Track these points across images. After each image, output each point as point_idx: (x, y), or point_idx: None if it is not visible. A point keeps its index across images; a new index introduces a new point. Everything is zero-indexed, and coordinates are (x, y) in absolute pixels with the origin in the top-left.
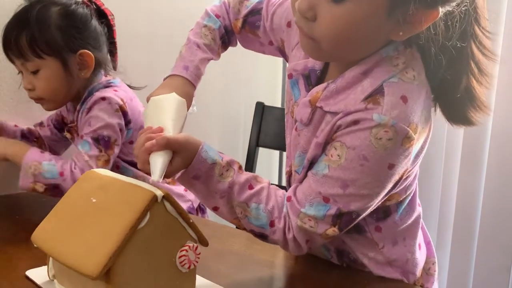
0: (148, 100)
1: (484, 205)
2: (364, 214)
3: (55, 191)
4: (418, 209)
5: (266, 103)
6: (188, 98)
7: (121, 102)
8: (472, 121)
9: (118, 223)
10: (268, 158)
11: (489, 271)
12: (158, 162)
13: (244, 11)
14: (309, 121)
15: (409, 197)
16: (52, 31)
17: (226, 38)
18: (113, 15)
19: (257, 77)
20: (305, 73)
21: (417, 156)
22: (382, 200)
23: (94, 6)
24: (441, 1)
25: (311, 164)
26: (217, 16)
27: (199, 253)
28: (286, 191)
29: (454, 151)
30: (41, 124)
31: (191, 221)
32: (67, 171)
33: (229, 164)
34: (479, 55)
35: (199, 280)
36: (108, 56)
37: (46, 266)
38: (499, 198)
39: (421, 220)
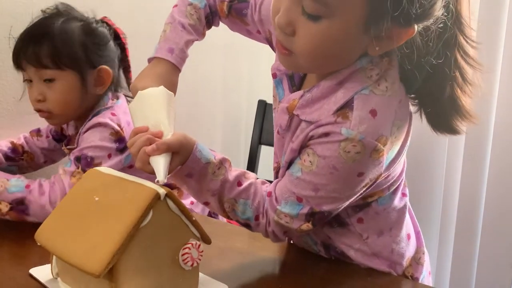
0: (133, 90)
1: (487, 202)
2: (336, 212)
3: (20, 208)
4: (404, 199)
5: (268, 101)
6: (174, 88)
7: (117, 128)
8: (456, 130)
9: (121, 221)
10: (270, 156)
11: (492, 268)
12: (161, 163)
13: None
14: (287, 127)
15: (393, 191)
16: (75, 45)
17: (210, 17)
18: (124, 34)
19: (258, 74)
20: (289, 73)
21: (394, 160)
22: (361, 197)
23: (106, 25)
24: (416, 20)
25: (289, 165)
26: None
27: (202, 251)
28: None
29: (456, 147)
30: (38, 133)
31: (194, 219)
32: (34, 184)
33: (221, 162)
34: (464, 64)
35: (202, 277)
36: (122, 75)
37: (49, 265)
38: (502, 194)
39: (411, 210)
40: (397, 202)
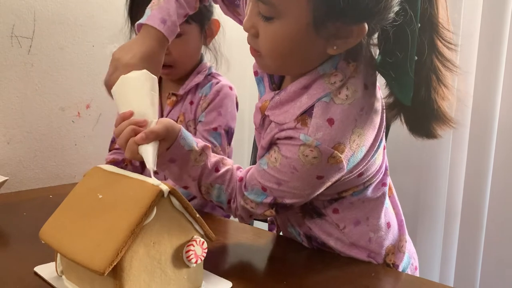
0: (116, 63)
1: (491, 198)
2: (299, 204)
3: None
4: (382, 189)
5: None
6: (159, 66)
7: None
8: (434, 133)
9: (125, 219)
10: None
11: (497, 264)
12: (150, 151)
13: None
14: (261, 125)
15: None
16: None
17: None
18: None
19: None
20: None
21: (361, 162)
22: (336, 192)
23: None
24: (363, 17)
25: None
26: None
27: (206, 248)
28: None
29: (460, 144)
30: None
31: (198, 216)
32: None
33: (203, 149)
34: (440, 66)
35: (206, 274)
36: None
37: (54, 262)
38: (506, 191)
39: (395, 198)
40: (373, 192)
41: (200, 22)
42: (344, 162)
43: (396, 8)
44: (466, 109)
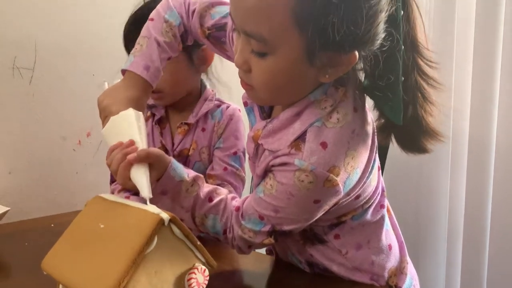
0: (103, 109)
1: (493, 215)
2: (298, 230)
3: None
4: (381, 211)
5: None
6: (143, 109)
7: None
8: (425, 149)
9: (126, 248)
10: None
11: (503, 283)
12: (143, 178)
13: (208, 22)
14: (254, 154)
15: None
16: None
17: (184, 35)
18: None
19: None
20: None
21: (357, 185)
22: (335, 217)
23: None
24: (353, 46)
25: None
26: (178, 13)
27: (208, 275)
28: None
29: (459, 161)
30: None
31: (199, 243)
32: None
33: (194, 179)
34: (424, 84)
35: None
36: None
37: None
38: (508, 208)
39: (394, 220)
40: (373, 215)
41: (185, 51)
42: (340, 185)
43: (383, 35)
44: (464, 125)
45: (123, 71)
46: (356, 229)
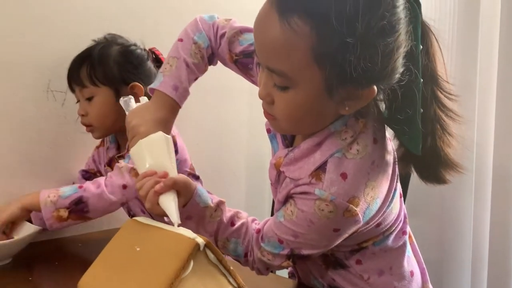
0: (131, 130)
1: None
2: (317, 255)
3: (79, 208)
4: (403, 238)
5: None
6: (171, 129)
7: (173, 134)
8: (444, 179)
9: (162, 272)
10: None
11: None
12: (171, 205)
13: (237, 48)
14: (276, 181)
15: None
16: (110, 64)
17: (211, 58)
18: None
19: None
20: None
21: (377, 214)
22: (356, 243)
23: (152, 54)
24: (372, 81)
25: None
26: (207, 36)
27: None
28: None
29: (483, 186)
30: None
31: (231, 268)
32: (86, 183)
33: (218, 205)
34: (443, 116)
35: None
36: None
37: None
38: None
39: (415, 247)
40: (395, 241)
41: (110, 85)
42: (359, 215)
43: (401, 69)
44: (488, 154)
45: (152, 90)
46: (378, 255)
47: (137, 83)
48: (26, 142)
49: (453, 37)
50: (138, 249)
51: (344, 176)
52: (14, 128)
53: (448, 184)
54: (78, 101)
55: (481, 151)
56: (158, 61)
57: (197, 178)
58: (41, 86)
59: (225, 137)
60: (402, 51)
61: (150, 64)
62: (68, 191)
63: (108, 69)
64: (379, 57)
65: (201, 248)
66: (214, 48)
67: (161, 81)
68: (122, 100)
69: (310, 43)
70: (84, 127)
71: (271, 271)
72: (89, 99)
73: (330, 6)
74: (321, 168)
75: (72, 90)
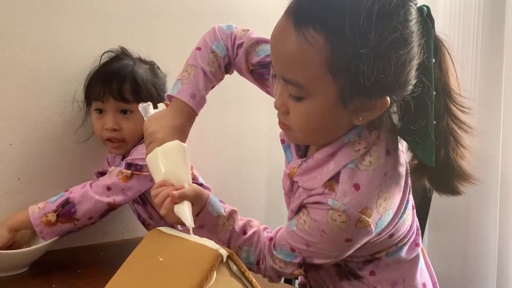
0: (149, 135)
1: None
2: (328, 264)
3: (66, 209)
4: (416, 250)
5: None
6: (187, 137)
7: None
8: (457, 191)
9: (185, 282)
10: None
11: None
12: (186, 212)
13: (254, 59)
14: (289, 191)
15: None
16: (149, 84)
17: (228, 67)
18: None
19: None
20: None
21: (389, 224)
22: (370, 254)
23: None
24: (385, 92)
25: None
26: (224, 45)
27: None
28: None
29: (509, 199)
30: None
31: (254, 281)
32: (74, 187)
33: (230, 214)
34: (456, 128)
35: None
36: None
37: None
38: None
39: (427, 260)
40: (408, 253)
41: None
42: (372, 225)
43: (414, 81)
44: None
45: (169, 97)
46: (391, 266)
47: (166, 102)
48: (52, 150)
49: (477, 57)
50: (161, 259)
51: (357, 187)
52: (40, 136)
53: (461, 195)
54: (96, 110)
55: (506, 164)
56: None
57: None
58: (67, 97)
59: (244, 147)
60: (414, 63)
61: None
62: (55, 197)
63: (149, 88)
64: (392, 68)
65: (224, 260)
66: (231, 57)
67: (179, 89)
68: (141, 106)
69: (325, 54)
70: (108, 142)
71: (284, 280)
72: (125, 112)
73: (344, 19)
74: (334, 178)
75: (95, 100)
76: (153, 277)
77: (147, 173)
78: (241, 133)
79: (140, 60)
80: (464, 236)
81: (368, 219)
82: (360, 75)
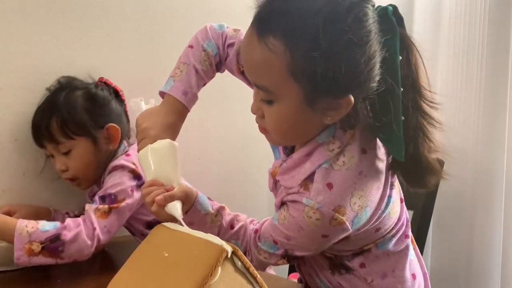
0: (142, 131)
1: None
2: (310, 256)
3: (54, 246)
4: (406, 241)
5: None
6: (177, 134)
7: (133, 166)
8: (426, 185)
9: (191, 278)
10: None
11: None
12: (177, 207)
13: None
14: (273, 188)
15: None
16: (79, 112)
17: (219, 65)
18: (122, 91)
19: None
20: None
21: (369, 221)
22: (358, 247)
23: (105, 85)
24: (346, 91)
25: None
26: (215, 44)
27: None
28: None
29: None
30: None
31: (258, 276)
32: (67, 221)
33: (218, 210)
34: (425, 124)
35: None
36: (128, 126)
37: None
38: None
39: (418, 251)
40: (397, 245)
41: (86, 134)
42: (347, 223)
43: (377, 78)
44: None
45: (162, 93)
46: (381, 258)
47: (111, 124)
48: None
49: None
50: (166, 254)
51: (330, 186)
52: None
53: (431, 189)
54: (49, 156)
55: (511, 162)
56: (116, 94)
57: None
58: None
59: (248, 144)
60: (376, 61)
61: (114, 101)
62: (48, 225)
63: (79, 118)
64: (350, 67)
65: (229, 255)
66: (221, 56)
67: (171, 85)
68: (132, 101)
69: (286, 60)
70: (69, 181)
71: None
72: (67, 153)
73: (297, 25)
74: (309, 178)
75: (41, 146)
76: (158, 273)
77: (123, 203)
78: (244, 130)
79: (80, 87)
80: (468, 234)
81: (342, 217)
82: (318, 77)
